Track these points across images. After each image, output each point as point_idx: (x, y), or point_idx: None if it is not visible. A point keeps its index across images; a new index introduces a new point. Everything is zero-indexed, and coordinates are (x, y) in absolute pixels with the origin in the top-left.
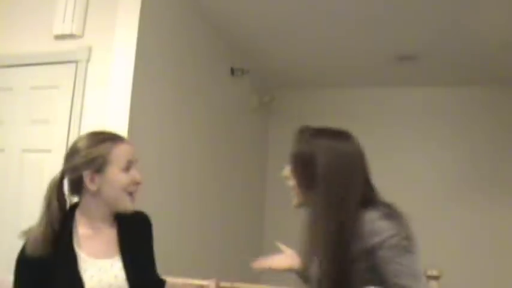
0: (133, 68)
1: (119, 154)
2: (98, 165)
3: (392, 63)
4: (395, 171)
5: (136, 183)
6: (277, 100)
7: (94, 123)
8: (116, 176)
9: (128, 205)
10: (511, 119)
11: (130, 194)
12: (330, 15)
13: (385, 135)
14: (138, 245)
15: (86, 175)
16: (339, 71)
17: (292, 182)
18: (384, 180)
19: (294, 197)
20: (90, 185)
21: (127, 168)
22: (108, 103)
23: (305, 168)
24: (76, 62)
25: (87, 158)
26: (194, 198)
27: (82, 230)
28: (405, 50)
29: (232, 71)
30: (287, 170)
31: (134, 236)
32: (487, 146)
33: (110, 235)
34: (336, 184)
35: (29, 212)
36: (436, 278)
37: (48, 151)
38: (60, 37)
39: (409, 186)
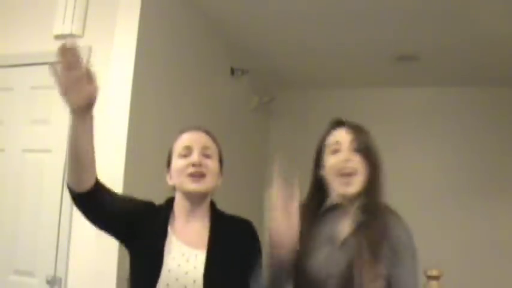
0: (133, 68)
1: (177, 144)
2: (168, 160)
3: (392, 63)
4: (395, 171)
5: (194, 165)
6: (277, 100)
7: (94, 123)
8: (175, 164)
9: (191, 186)
10: (510, 119)
11: (192, 175)
12: (330, 15)
13: (385, 135)
14: (230, 250)
15: (167, 172)
16: (339, 71)
17: (360, 164)
18: None
19: (355, 183)
20: (169, 181)
21: (185, 154)
22: (108, 103)
23: (375, 157)
24: None
25: (166, 157)
26: None
27: (177, 216)
28: (405, 50)
29: (232, 71)
30: (353, 156)
31: (227, 239)
32: (488, 146)
33: (202, 229)
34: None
35: (29, 212)
36: (436, 278)
37: (48, 151)
38: (60, 37)
39: (409, 186)
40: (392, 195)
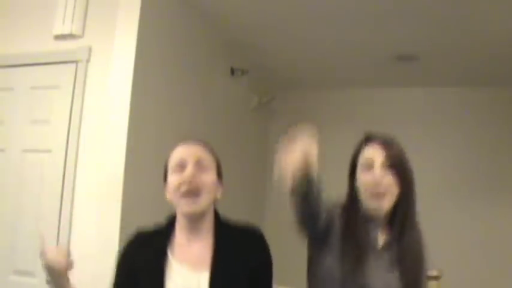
0: (133, 68)
1: (172, 158)
2: (165, 175)
3: (392, 63)
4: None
5: (186, 181)
6: (277, 100)
7: (94, 123)
8: (170, 180)
9: (183, 208)
10: (511, 120)
11: (186, 196)
12: (330, 15)
13: None
14: (237, 264)
15: (164, 188)
16: (339, 71)
17: (391, 182)
18: None
19: (387, 202)
20: (168, 196)
21: (179, 168)
22: (108, 103)
23: (408, 173)
24: (76, 62)
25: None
26: None
27: (178, 237)
28: (405, 50)
29: (232, 71)
30: (388, 176)
31: (233, 255)
32: (488, 146)
33: (205, 247)
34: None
35: (29, 212)
36: (436, 278)
37: (48, 151)
38: (60, 37)
39: None
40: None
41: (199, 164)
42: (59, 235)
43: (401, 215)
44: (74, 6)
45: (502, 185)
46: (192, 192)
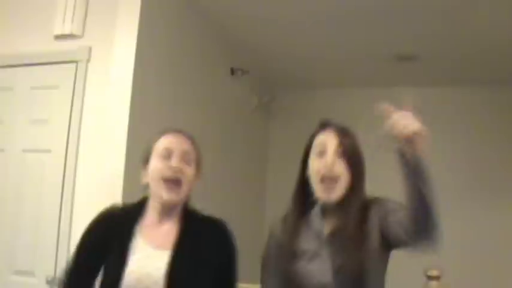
0: (133, 68)
1: (158, 144)
2: (146, 158)
3: (392, 63)
4: (395, 170)
5: (171, 168)
6: (277, 100)
7: (94, 123)
8: (154, 164)
9: (163, 194)
10: (511, 119)
11: (167, 181)
12: (330, 15)
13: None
14: (198, 250)
15: (142, 169)
16: (339, 71)
17: (343, 170)
18: (384, 180)
19: (337, 192)
20: (143, 178)
21: (164, 156)
22: (108, 103)
23: (359, 162)
24: (76, 62)
25: (143, 154)
26: (193, 199)
27: (148, 219)
28: (405, 50)
29: (232, 71)
30: (338, 164)
31: (196, 240)
32: (487, 146)
33: (170, 229)
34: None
35: (29, 212)
36: (436, 278)
37: (48, 151)
38: (60, 37)
39: None
40: (392, 195)
41: (184, 156)
42: (59, 235)
43: (348, 204)
44: (74, 7)
45: (502, 184)
46: (174, 181)
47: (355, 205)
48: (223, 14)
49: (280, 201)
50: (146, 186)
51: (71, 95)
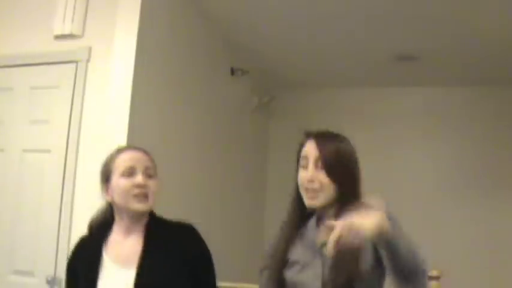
0: (133, 68)
1: (119, 162)
2: (106, 176)
3: (392, 63)
4: (395, 171)
5: (139, 186)
6: (277, 100)
7: (94, 123)
8: (118, 183)
9: (136, 206)
10: (511, 119)
11: (138, 195)
12: (329, 15)
13: (385, 135)
14: (166, 259)
15: (102, 187)
16: (339, 71)
17: (325, 181)
18: (384, 180)
19: (320, 197)
20: (106, 196)
21: (128, 173)
22: (108, 103)
23: (345, 169)
24: (76, 62)
25: (101, 171)
26: (194, 199)
27: (114, 236)
28: (405, 50)
29: (232, 71)
30: (317, 174)
31: (163, 248)
32: (487, 146)
33: (135, 244)
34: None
35: (29, 211)
36: (436, 278)
37: (48, 151)
38: (60, 37)
39: (409, 186)
40: (392, 195)
41: (147, 172)
42: (59, 235)
43: (339, 213)
44: (74, 6)
45: (502, 184)
46: (143, 194)
47: (349, 215)
48: (224, 14)
49: (280, 201)
50: (112, 202)
51: (71, 95)
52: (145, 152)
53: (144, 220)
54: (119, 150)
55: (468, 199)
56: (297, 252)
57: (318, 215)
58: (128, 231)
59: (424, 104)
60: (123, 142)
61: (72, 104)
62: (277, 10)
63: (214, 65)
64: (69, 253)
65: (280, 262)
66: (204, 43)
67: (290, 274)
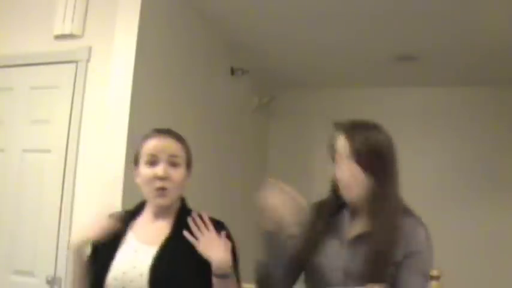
0: (133, 68)
1: (144, 148)
2: (135, 159)
3: (392, 63)
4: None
5: (159, 178)
6: (277, 100)
7: (94, 123)
8: (142, 171)
9: (155, 201)
10: (511, 119)
11: (158, 189)
12: (330, 15)
13: None
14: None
15: (133, 169)
16: (339, 71)
17: (358, 179)
18: None
19: (354, 191)
20: (134, 177)
21: (151, 163)
22: (108, 103)
23: (377, 159)
24: (76, 62)
25: (133, 154)
26: (194, 199)
27: (144, 216)
28: (405, 50)
29: (232, 71)
30: (349, 165)
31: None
32: (487, 146)
33: (163, 227)
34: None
35: (29, 211)
36: (436, 278)
37: (48, 151)
38: (60, 37)
39: (409, 186)
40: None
41: (170, 161)
42: (59, 235)
43: (373, 206)
44: (74, 6)
45: (502, 184)
46: (162, 189)
47: (385, 214)
48: (224, 14)
49: None
50: (139, 185)
51: (71, 95)
52: (175, 137)
53: (173, 208)
54: (147, 136)
55: (468, 199)
56: (327, 240)
57: (352, 208)
58: (156, 216)
59: (424, 104)
60: (123, 142)
61: (72, 104)
62: (277, 10)
63: (214, 65)
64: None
65: (310, 244)
66: (204, 43)
67: (317, 259)
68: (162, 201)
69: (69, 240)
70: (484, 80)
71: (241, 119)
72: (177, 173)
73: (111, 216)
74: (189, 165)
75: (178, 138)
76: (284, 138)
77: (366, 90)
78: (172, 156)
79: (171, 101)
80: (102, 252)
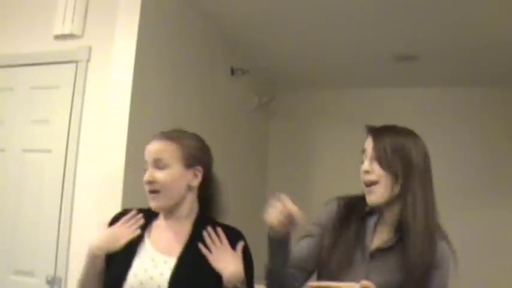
0: (133, 68)
1: (145, 154)
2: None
3: (392, 63)
4: None
5: (146, 183)
6: (277, 100)
7: (94, 123)
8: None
9: (150, 204)
10: (510, 120)
11: (149, 193)
12: (330, 15)
13: None
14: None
15: None
16: (339, 71)
17: (380, 172)
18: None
19: (375, 194)
20: None
21: (145, 168)
22: (108, 103)
23: (400, 162)
24: (76, 62)
25: None
26: None
27: (159, 221)
28: (405, 50)
29: (232, 71)
30: (373, 166)
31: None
32: (487, 146)
33: (180, 234)
34: (431, 180)
35: (29, 212)
36: None
37: (48, 151)
38: (60, 37)
39: None
40: None
41: (156, 164)
42: (59, 235)
43: (400, 212)
44: (74, 7)
45: (502, 184)
46: (152, 192)
47: (409, 213)
48: (224, 14)
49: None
50: None
51: (71, 95)
52: (167, 138)
53: (183, 209)
54: (151, 139)
55: (468, 199)
56: (349, 248)
57: (379, 215)
58: (168, 219)
59: (424, 104)
60: (123, 142)
61: (72, 104)
62: (277, 10)
63: (214, 65)
64: (110, 221)
65: (332, 244)
66: (204, 43)
67: (333, 263)
68: (154, 203)
69: (69, 241)
70: (484, 80)
71: (241, 119)
72: (162, 174)
73: (129, 219)
74: (189, 162)
75: (171, 138)
76: (284, 138)
77: (366, 90)
78: (156, 159)
79: (170, 101)
80: (118, 258)
